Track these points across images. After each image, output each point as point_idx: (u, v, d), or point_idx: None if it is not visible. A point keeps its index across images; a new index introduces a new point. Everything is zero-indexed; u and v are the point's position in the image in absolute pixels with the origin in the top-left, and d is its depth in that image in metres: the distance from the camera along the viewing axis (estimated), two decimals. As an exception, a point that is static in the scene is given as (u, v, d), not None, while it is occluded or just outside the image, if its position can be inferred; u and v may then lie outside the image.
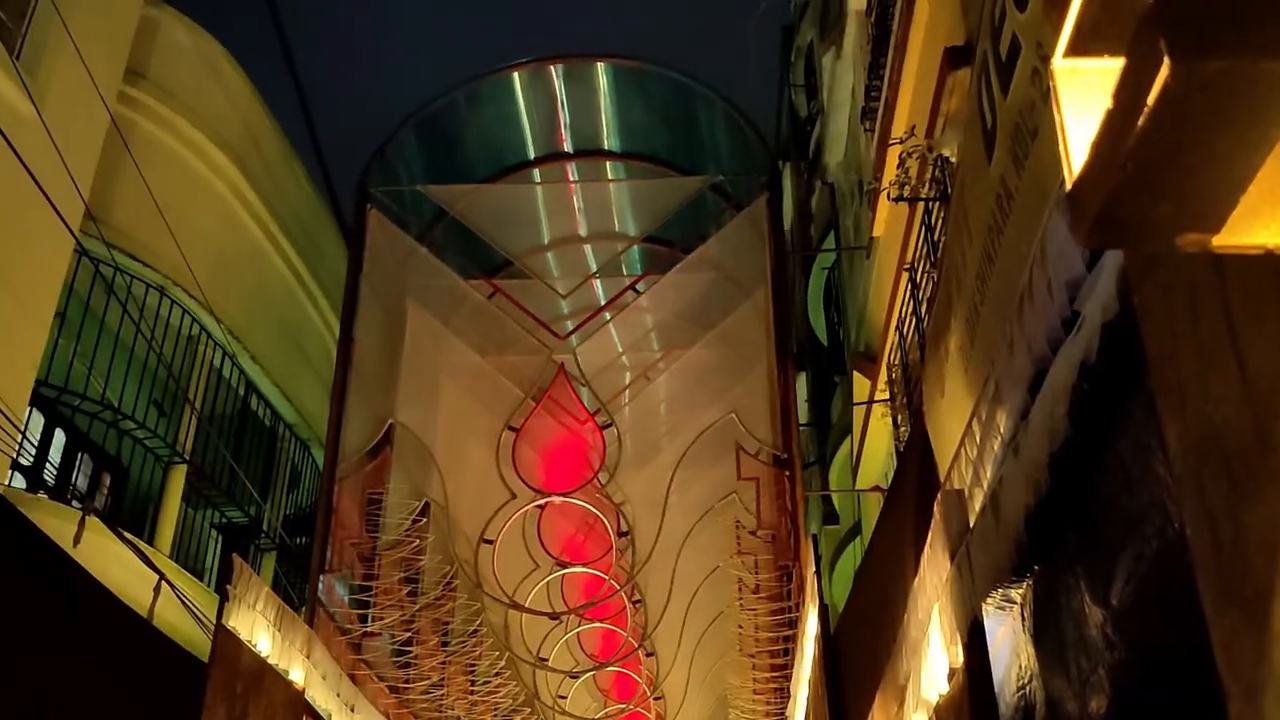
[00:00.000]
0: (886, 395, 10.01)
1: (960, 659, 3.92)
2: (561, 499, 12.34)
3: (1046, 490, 2.84)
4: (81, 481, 11.40)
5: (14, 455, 7.99)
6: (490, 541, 12.35)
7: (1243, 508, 1.45)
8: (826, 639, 8.75)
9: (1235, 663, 1.44)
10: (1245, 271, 1.35)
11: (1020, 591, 3.50)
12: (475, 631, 13.02)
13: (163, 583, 7.75)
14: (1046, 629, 3.19)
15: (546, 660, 13.77)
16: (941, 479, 4.56)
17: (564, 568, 12.84)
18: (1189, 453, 1.59)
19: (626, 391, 13.31)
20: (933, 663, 4.19)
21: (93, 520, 7.53)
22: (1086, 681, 2.80)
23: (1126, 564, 2.37)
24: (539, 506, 12.47)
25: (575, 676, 14.24)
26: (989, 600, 3.74)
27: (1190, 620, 1.87)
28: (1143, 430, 2.14)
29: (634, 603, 13.29)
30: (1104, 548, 2.54)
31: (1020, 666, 3.59)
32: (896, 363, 9.44)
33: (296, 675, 8.82)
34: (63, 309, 9.91)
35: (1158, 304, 1.69)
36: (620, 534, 12.57)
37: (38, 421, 10.52)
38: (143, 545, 9.24)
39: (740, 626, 12.65)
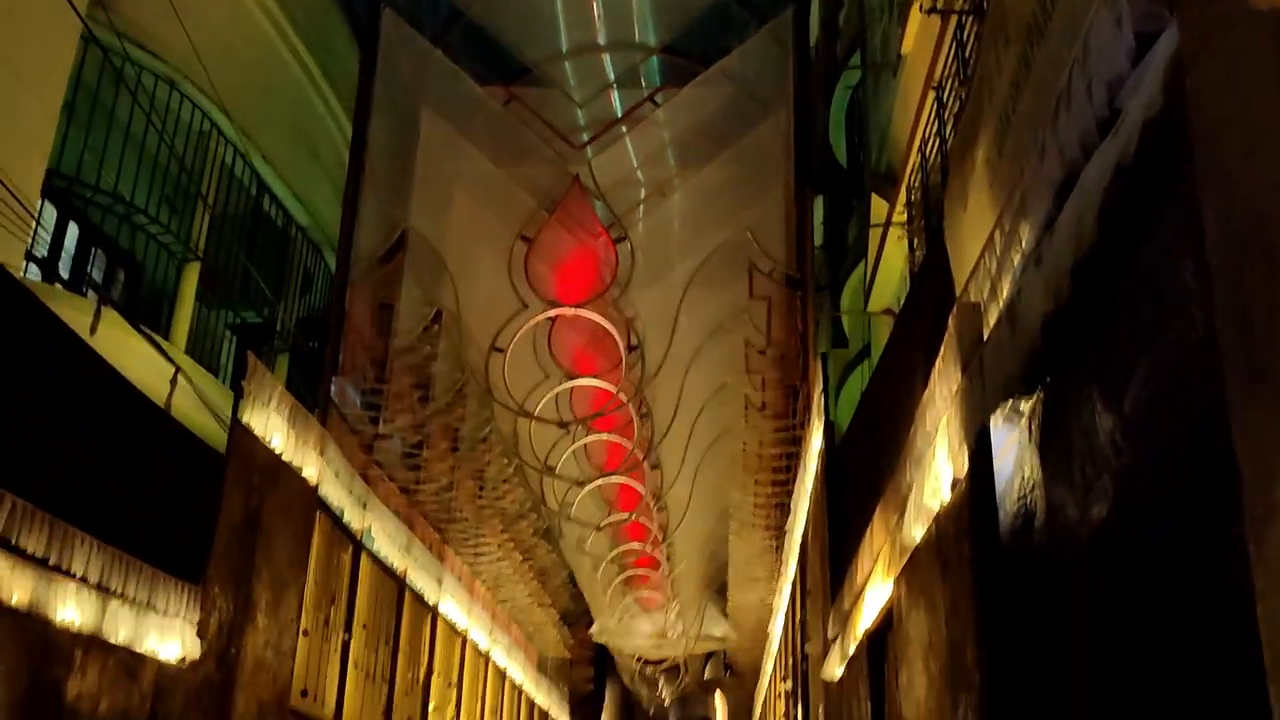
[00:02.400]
0: (904, 218, 9.89)
1: (965, 469, 3.97)
2: (573, 311, 12.36)
3: (1067, 298, 2.81)
4: (96, 277, 11.43)
5: (28, 245, 7.98)
6: (501, 350, 12.44)
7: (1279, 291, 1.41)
8: (830, 456, 8.92)
9: (1255, 448, 1.44)
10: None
11: (1029, 404, 3.51)
12: (485, 439, 13.28)
13: (179, 375, 7.85)
14: (1053, 439, 3.21)
15: (554, 469, 14.08)
16: (958, 295, 4.53)
17: (573, 379, 12.97)
18: (1228, 240, 1.55)
19: (641, 206, 13.17)
20: (937, 472, 4.25)
21: (109, 313, 7.56)
22: (1090, 488, 2.83)
23: (1144, 370, 2.36)
24: (550, 318, 12.52)
25: (581, 485, 14.60)
26: (997, 413, 3.76)
27: (1205, 417, 1.87)
28: (1176, 231, 2.10)
29: (641, 416, 13.48)
30: (1122, 354, 2.52)
31: (1023, 477, 3.62)
32: (917, 184, 9.29)
33: (310, 472, 9.04)
34: (70, 100, 9.73)
35: (1209, 87, 1.62)
36: (630, 348, 12.64)
37: (50, 214, 10.46)
38: (159, 340, 9.34)
39: (745, 443, 12.86)
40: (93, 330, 6.88)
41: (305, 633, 9.06)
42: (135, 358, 8.05)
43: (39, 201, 9.18)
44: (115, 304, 8.12)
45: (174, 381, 7.78)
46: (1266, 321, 1.41)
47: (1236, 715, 1.71)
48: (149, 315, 11.56)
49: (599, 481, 14.70)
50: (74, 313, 7.15)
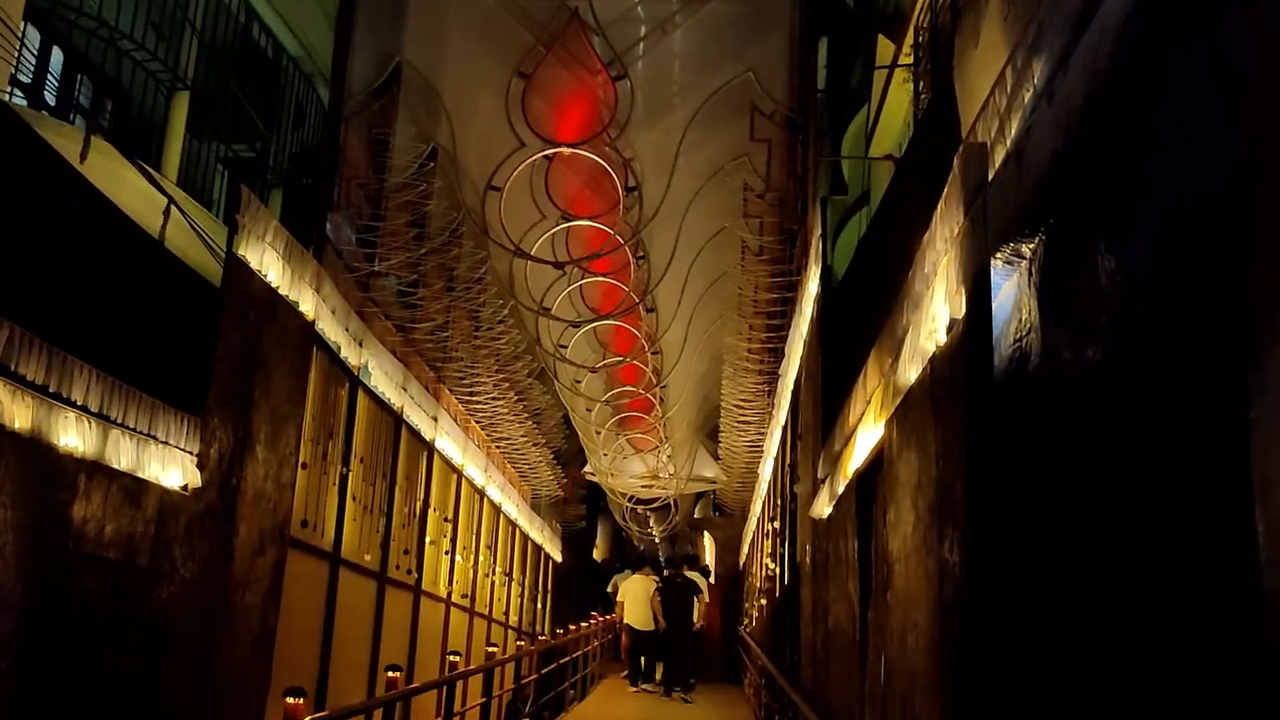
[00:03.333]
0: (911, 60, 9.65)
1: (963, 310, 3.97)
2: (570, 150, 12.19)
3: (1078, 135, 2.76)
4: (83, 105, 11.17)
5: (13, 67, 7.76)
6: (497, 189, 12.32)
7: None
8: (826, 301, 8.94)
9: (1272, 276, 1.42)
10: None
11: (1031, 246, 3.48)
12: (480, 278, 13.27)
13: (172, 207, 7.76)
14: (1053, 281, 3.20)
15: (549, 310, 14.11)
16: (964, 135, 4.45)
17: (570, 220, 12.88)
18: (1258, 73, 1.50)
19: (641, 44, 12.84)
20: (934, 314, 4.25)
21: (98, 143, 7.41)
22: (1087, 329, 2.83)
23: (1156, 206, 2.33)
24: (547, 157, 12.35)
25: (576, 326, 14.66)
26: (998, 255, 3.74)
27: (1218, 256, 1.86)
28: (1200, 64, 2.04)
29: (638, 259, 13.46)
30: (1133, 195, 2.49)
31: (1020, 320, 3.63)
32: (925, 25, 9.03)
33: (306, 307, 9.04)
34: (48, -85, 9.33)
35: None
36: (628, 189, 12.52)
37: (33, 38, 10.16)
38: (151, 171, 9.19)
39: (741, 288, 12.88)
40: (83, 158, 6.77)
41: (304, 465, 9.22)
42: (126, 188, 7.93)
43: (22, 24, 8.91)
44: (105, 131, 7.95)
45: (167, 213, 7.69)
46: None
47: (1226, 539, 1.75)
48: (139, 146, 11.33)
49: (594, 323, 14.76)
50: (62, 140, 7.00)
